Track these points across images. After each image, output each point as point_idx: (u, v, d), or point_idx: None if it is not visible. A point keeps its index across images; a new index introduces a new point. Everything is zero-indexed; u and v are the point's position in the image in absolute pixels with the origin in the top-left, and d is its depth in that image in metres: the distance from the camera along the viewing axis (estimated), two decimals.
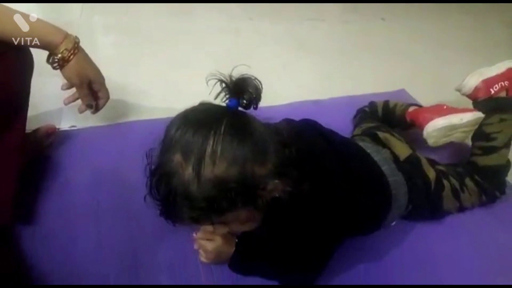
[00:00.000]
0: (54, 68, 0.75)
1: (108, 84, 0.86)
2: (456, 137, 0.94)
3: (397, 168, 0.76)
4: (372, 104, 1.08)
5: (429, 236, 0.82)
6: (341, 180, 0.65)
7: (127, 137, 0.97)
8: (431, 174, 0.80)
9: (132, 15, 1.54)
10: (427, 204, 0.80)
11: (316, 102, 1.18)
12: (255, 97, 0.54)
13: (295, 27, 1.66)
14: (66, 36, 0.73)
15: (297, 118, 0.78)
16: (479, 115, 0.91)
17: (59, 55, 0.72)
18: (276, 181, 0.54)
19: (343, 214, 0.62)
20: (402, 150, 0.80)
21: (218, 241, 0.69)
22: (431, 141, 0.93)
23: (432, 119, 0.92)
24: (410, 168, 0.78)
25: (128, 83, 1.14)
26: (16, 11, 0.66)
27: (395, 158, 0.78)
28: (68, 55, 0.73)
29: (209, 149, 0.49)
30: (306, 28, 1.68)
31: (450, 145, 1.00)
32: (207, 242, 0.69)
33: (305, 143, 0.63)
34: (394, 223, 0.79)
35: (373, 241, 0.77)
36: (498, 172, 0.89)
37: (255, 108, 0.55)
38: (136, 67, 1.25)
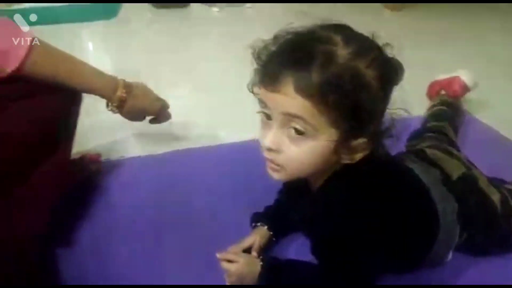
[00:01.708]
0: (112, 112, 0.83)
1: None
2: None
3: (447, 190, 0.66)
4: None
5: (494, 274, 0.69)
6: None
7: (171, 166, 1.01)
8: (494, 195, 0.68)
9: None
10: (490, 231, 0.67)
11: None
12: None
13: None
14: (117, 84, 0.80)
15: None
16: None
17: (115, 102, 0.80)
18: (367, 141, 0.52)
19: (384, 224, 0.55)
20: (455, 168, 0.70)
21: (241, 263, 0.65)
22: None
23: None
24: (463, 187, 0.67)
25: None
26: (81, 63, 0.76)
27: (446, 177, 0.68)
28: (121, 103, 0.80)
29: (371, 54, 0.50)
30: None
31: None
32: (229, 264, 0.66)
33: None
34: (449, 257, 0.67)
35: (426, 280, 0.67)
36: None
37: None
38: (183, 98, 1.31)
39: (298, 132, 0.50)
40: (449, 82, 1.13)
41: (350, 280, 0.58)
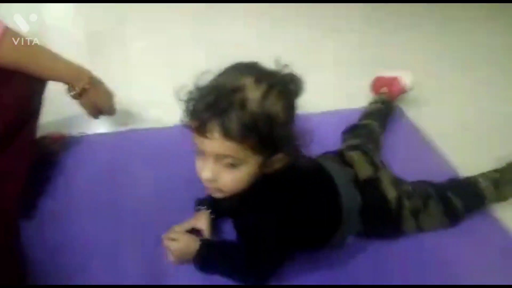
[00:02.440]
0: (71, 98, 0.91)
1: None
2: None
3: (355, 188, 0.81)
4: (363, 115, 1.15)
5: (386, 255, 0.84)
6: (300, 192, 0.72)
7: (130, 144, 1.10)
8: (391, 194, 0.83)
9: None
10: (385, 224, 0.84)
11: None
12: None
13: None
14: (83, 74, 0.89)
15: None
16: None
17: (76, 91, 0.88)
18: (283, 155, 0.65)
19: (295, 220, 0.70)
20: (364, 170, 0.85)
21: (182, 241, 0.78)
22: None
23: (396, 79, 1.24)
24: (367, 188, 0.82)
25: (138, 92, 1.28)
26: (50, 53, 0.82)
27: (356, 177, 0.83)
28: (82, 91, 0.89)
29: (277, 87, 0.61)
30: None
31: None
32: (172, 242, 0.78)
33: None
34: (349, 240, 0.83)
35: (329, 259, 0.82)
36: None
37: None
38: (147, 76, 1.38)
39: (230, 165, 0.63)
40: (390, 81, 1.24)
41: (266, 258, 0.73)
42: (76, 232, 0.86)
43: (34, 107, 0.87)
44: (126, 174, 1.00)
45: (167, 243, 0.79)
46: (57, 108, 1.07)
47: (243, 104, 0.58)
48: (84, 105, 0.93)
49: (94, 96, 0.92)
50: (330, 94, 1.33)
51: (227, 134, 0.58)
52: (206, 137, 0.60)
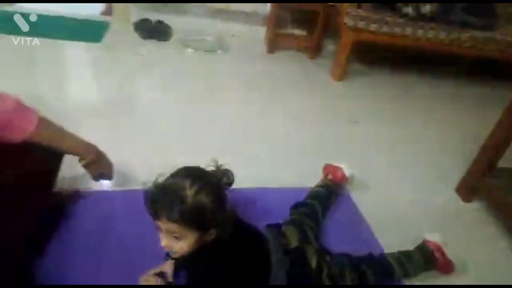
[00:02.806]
0: (82, 166, 1.16)
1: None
2: None
3: (283, 253, 1.06)
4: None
5: None
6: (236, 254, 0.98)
7: (121, 202, 1.36)
8: (313, 261, 1.08)
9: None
10: (306, 282, 1.10)
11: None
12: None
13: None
14: (92, 149, 1.14)
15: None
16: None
17: (86, 160, 1.14)
18: (215, 230, 0.92)
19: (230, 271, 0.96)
20: (293, 242, 1.12)
21: (152, 281, 1.03)
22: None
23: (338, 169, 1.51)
24: (294, 256, 1.07)
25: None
26: (69, 133, 1.08)
27: (287, 245, 1.10)
28: (90, 161, 1.15)
29: (208, 185, 0.90)
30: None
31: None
32: (145, 280, 1.04)
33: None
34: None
35: None
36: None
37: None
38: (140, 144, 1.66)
39: (176, 237, 0.90)
40: (334, 170, 1.51)
41: None
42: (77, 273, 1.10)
43: (53, 169, 1.17)
44: (119, 225, 1.25)
45: (142, 281, 1.04)
46: (70, 168, 1.37)
47: (182, 200, 0.87)
48: (90, 171, 1.19)
49: (98, 166, 1.18)
50: (291, 173, 1.64)
51: (170, 219, 0.87)
52: (158, 220, 0.89)
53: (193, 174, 0.93)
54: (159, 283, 1.04)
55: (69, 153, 1.12)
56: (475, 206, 1.66)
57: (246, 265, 1.00)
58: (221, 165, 1.01)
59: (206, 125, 1.88)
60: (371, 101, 2.46)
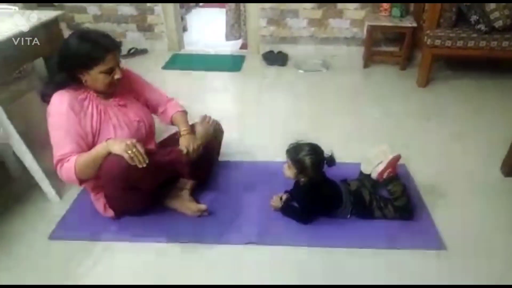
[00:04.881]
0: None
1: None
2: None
3: (348, 193, 1.86)
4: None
5: (365, 223, 1.82)
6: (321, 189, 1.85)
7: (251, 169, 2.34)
8: (367, 198, 1.84)
9: None
10: (364, 211, 1.86)
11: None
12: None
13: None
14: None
15: None
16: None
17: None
18: (303, 176, 1.78)
19: (317, 198, 1.81)
20: (354, 187, 1.91)
21: (277, 201, 1.90)
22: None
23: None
24: (355, 194, 1.85)
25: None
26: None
27: (350, 188, 1.90)
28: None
29: (312, 155, 1.74)
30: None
31: None
32: (273, 202, 1.93)
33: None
34: (348, 216, 1.87)
35: (339, 221, 1.86)
36: None
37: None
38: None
39: (289, 168, 1.80)
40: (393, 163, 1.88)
41: (306, 213, 1.84)
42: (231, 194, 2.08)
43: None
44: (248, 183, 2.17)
45: (272, 203, 1.93)
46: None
47: (297, 153, 1.73)
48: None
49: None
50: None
51: (290, 167, 1.75)
52: (289, 158, 1.77)
53: (311, 145, 1.77)
54: (279, 201, 1.92)
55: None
56: None
57: (327, 196, 1.84)
58: (330, 152, 1.77)
59: (322, 125, 2.70)
60: (446, 103, 3.00)
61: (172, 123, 1.95)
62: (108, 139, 1.61)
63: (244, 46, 4.06)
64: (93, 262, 1.67)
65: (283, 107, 2.98)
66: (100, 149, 1.58)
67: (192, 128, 1.89)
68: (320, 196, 1.82)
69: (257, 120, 2.81)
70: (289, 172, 1.80)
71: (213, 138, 1.98)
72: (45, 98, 1.66)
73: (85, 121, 1.64)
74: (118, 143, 1.55)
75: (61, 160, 1.56)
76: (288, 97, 3.13)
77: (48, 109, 1.63)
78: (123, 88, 1.79)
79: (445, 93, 3.14)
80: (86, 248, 1.74)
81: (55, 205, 1.98)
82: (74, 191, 2.05)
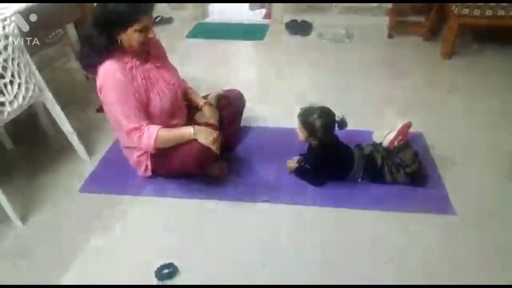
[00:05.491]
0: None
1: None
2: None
3: (361, 156, 1.90)
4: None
5: (376, 186, 1.89)
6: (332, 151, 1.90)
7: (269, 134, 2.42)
8: (379, 161, 1.88)
9: None
10: (375, 174, 1.92)
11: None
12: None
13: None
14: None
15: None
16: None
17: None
18: (314, 139, 1.84)
19: (328, 161, 1.88)
20: (368, 151, 1.94)
21: (293, 163, 1.98)
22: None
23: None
24: (367, 157, 1.90)
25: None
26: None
27: (363, 152, 1.93)
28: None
29: (323, 118, 1.77)
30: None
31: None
32: (288, 164, 2.01)
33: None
34: (359, 180, 1.93)
35: (350, 184, 1.93)
36: None
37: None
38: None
39: (300, 132, 1.85)
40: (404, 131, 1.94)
41: (318, 175, 1.92)
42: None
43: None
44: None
45: (288, 164, 2.02)
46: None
47: (309, 116, 1.78)
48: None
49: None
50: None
51: (301, 130, 1.81)
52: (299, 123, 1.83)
53: (322, 108, 1.82)
54: (294, 164, 2.00)
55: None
56: None
57: (338, 159, 1.90)
58: (341, 115, 1.81)
59: (344, 95, 2.70)
60: (471, 76, 2.94)
61: (185, 96, 2.06)
62: (194, 125, 1.77)
63: (267, 16, 4.06)
64: (123, 212, 1.83)
65: (305, 76, 3.01)
66: (186, 133, 1.74)
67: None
68: (331, 158, 1.88)
69: (279, 88, 2.86)
70: (301, 135, 1.86)
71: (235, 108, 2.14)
72: (88, 68, 1.76)
73: (138, 89, 1.72)
74: (205, 135, 1.72)
75: (136, 129, 1.70)
76: (310, 67, 3.15)
77: (102, 82, 1.69)
78: (155, 52, 1.87)
79: (469, 66, 3.08)
80: (115, 200, 1.89)
81: (85, 163, 2.13)
82: (102, 150, 2.19)
